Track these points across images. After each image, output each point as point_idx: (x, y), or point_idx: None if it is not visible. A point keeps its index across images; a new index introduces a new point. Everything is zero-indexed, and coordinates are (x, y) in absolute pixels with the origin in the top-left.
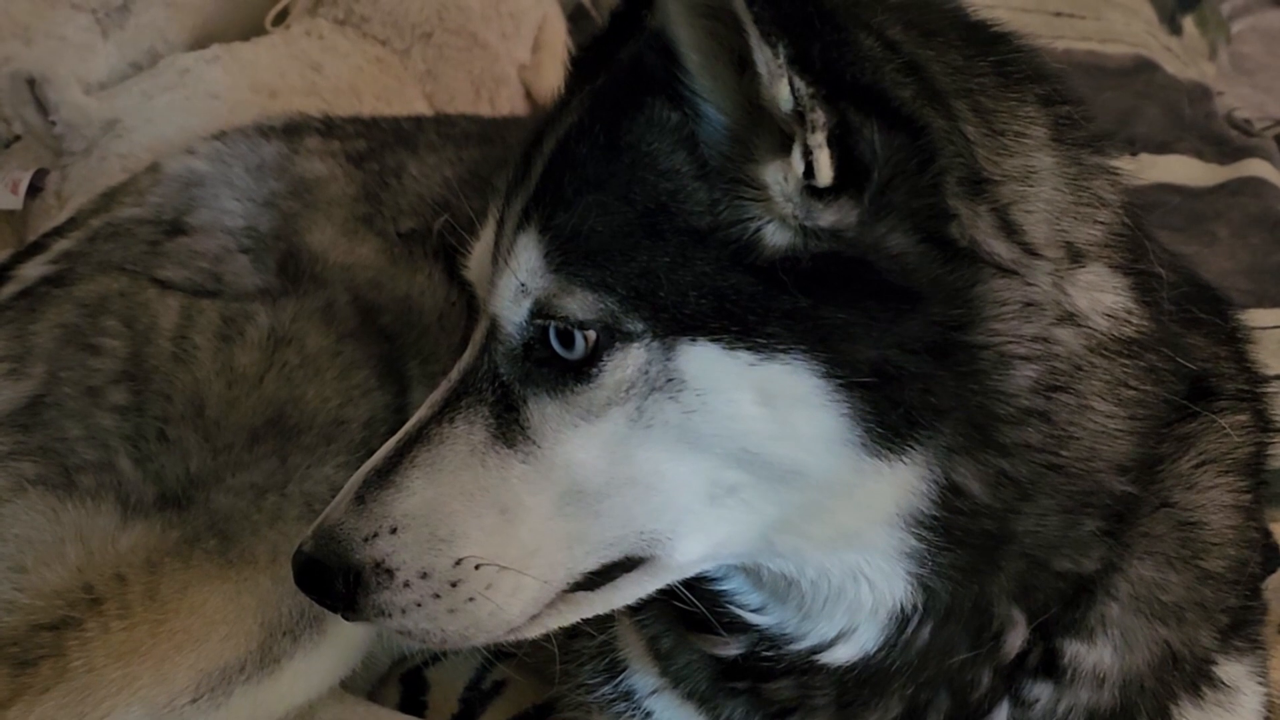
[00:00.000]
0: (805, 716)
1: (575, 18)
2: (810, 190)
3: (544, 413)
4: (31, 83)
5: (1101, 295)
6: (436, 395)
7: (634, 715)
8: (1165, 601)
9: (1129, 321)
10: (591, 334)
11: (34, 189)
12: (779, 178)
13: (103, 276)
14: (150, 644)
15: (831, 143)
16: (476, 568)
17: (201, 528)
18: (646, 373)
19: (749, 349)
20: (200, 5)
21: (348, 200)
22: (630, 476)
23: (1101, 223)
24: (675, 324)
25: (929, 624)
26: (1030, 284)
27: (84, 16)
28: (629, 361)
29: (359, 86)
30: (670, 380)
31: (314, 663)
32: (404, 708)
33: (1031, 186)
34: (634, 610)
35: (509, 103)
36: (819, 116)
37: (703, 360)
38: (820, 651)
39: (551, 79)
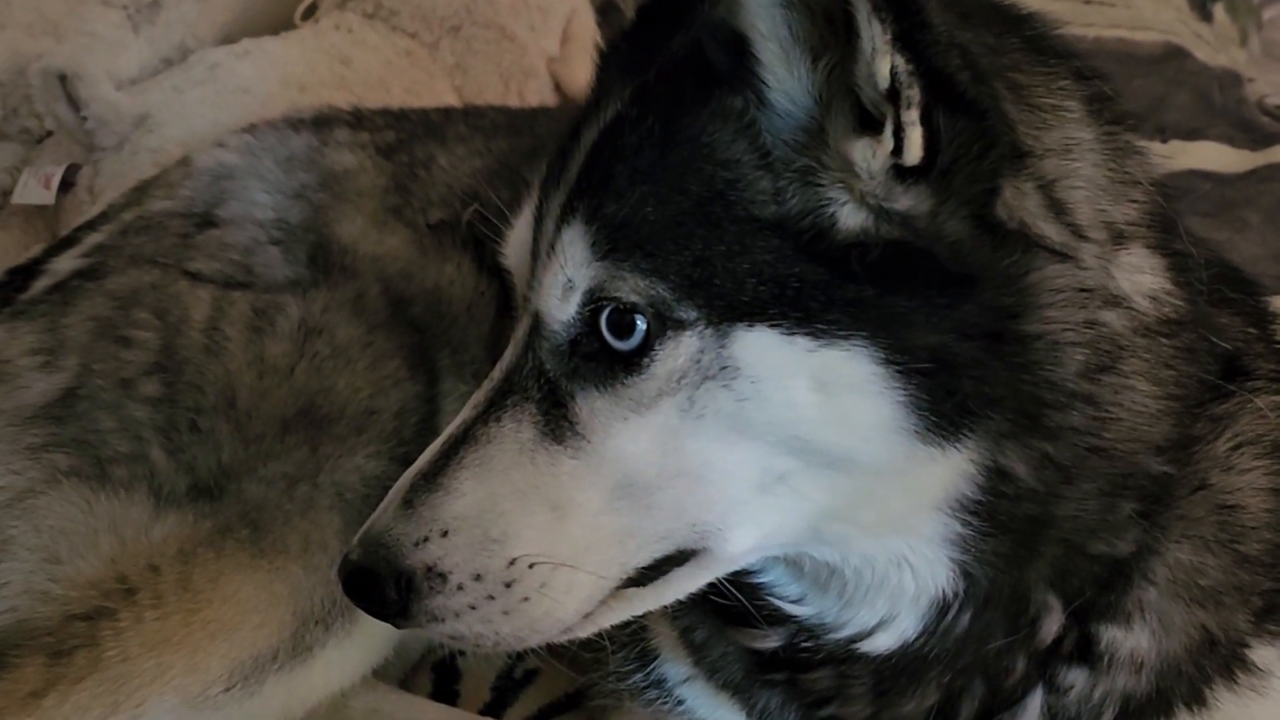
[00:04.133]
0: (842, 705)
1: (604, 10)
2: (895, 170)
3: (592, 407)
4: (63, 79)
5: (1142, 276)
6: (479, 395)
7: (665, 703)
8: (1203, 585)
9: (1167, 302)
10: (644, 320)
11: (66, 184)
12: (867, 154)
13: (134, 269)
14: (183, 633)
15: (923, 120)
16: (531, 566)
17: (234, 518)
18: (699, 361)
19: (808, 335)
20: (230, 1)
21: (377, 192)
22: (681, 468)
23: (1135, 201)
24: (731, 311)
25: (968, 611)
26: (1083, 269)
27: (115, 13)
28: (681, 350)
29: (388, 80)
30: (724, 368)
31: (346, 651)
32: (436, 696)
33: (1073, 161)
34: None
35: (537, 95)
36: (915, 94)
37: (759, 347)
38: (860, 640)
39: (580, 71)
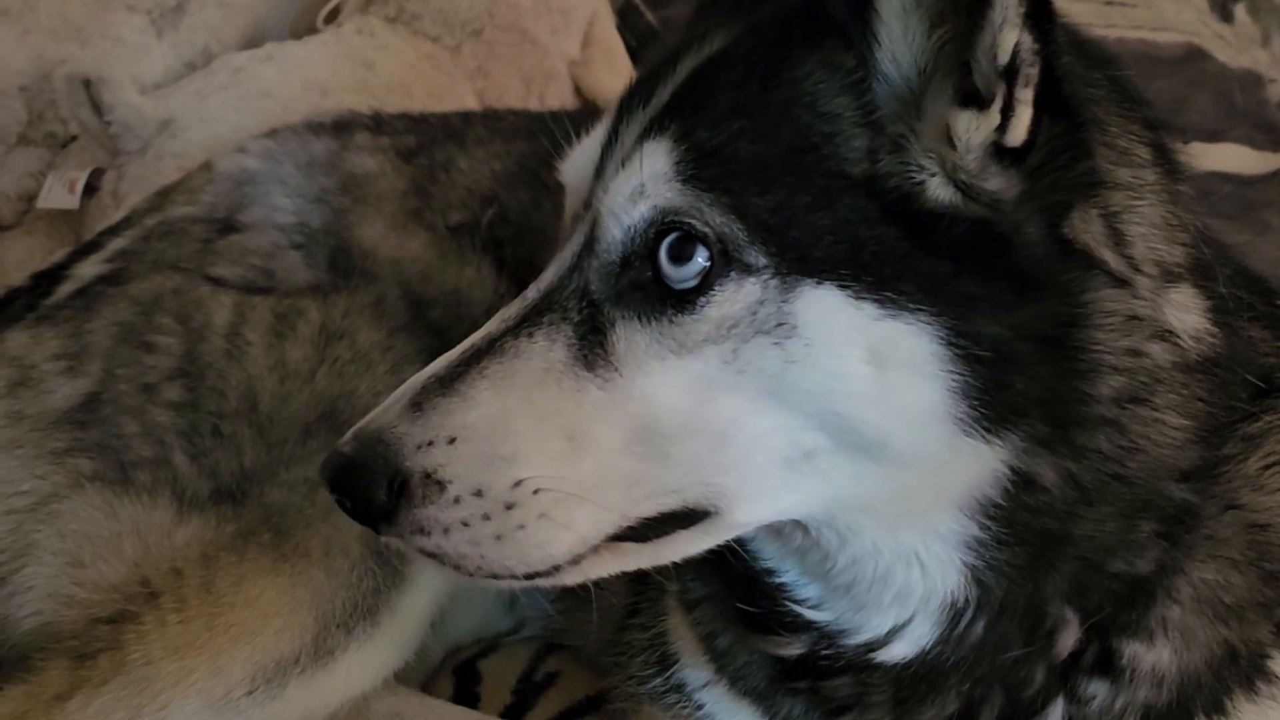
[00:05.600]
0: (862, 713)
1: (624, 13)
2: (994, 149)
3: (632, 340)
4: (87, 84)
5: (1188, 315)
6: (509, 310)
7: (685, 707)
8: (1228, 603)
9: (1208, 342)
10: (707, 255)
11: (90, 188)
12: (970, 127)
13: (157, 275)
14: (206, 637)
15: (1035, 103)
16: (535, 492)
17: (256, 522)
18: (755, 313)
19: (876, 303)
20: (253, 5)
21: (397, 195)
22: (708, 423)
23: (1184, 246)
24: (801, 264)
25: (982, 619)
26: (1138, 298)
27: (139, 17)
28: (740, 296)
29: (410, 84)
30: (780, 325)
31: (367, 655)
32: (457, 699)
33: (1137, 200)
34: (689, 607)
35: (559, 98)
36: (1034, 73)
37: (823, 307)
38: (878, 649)
39: (601, 75)
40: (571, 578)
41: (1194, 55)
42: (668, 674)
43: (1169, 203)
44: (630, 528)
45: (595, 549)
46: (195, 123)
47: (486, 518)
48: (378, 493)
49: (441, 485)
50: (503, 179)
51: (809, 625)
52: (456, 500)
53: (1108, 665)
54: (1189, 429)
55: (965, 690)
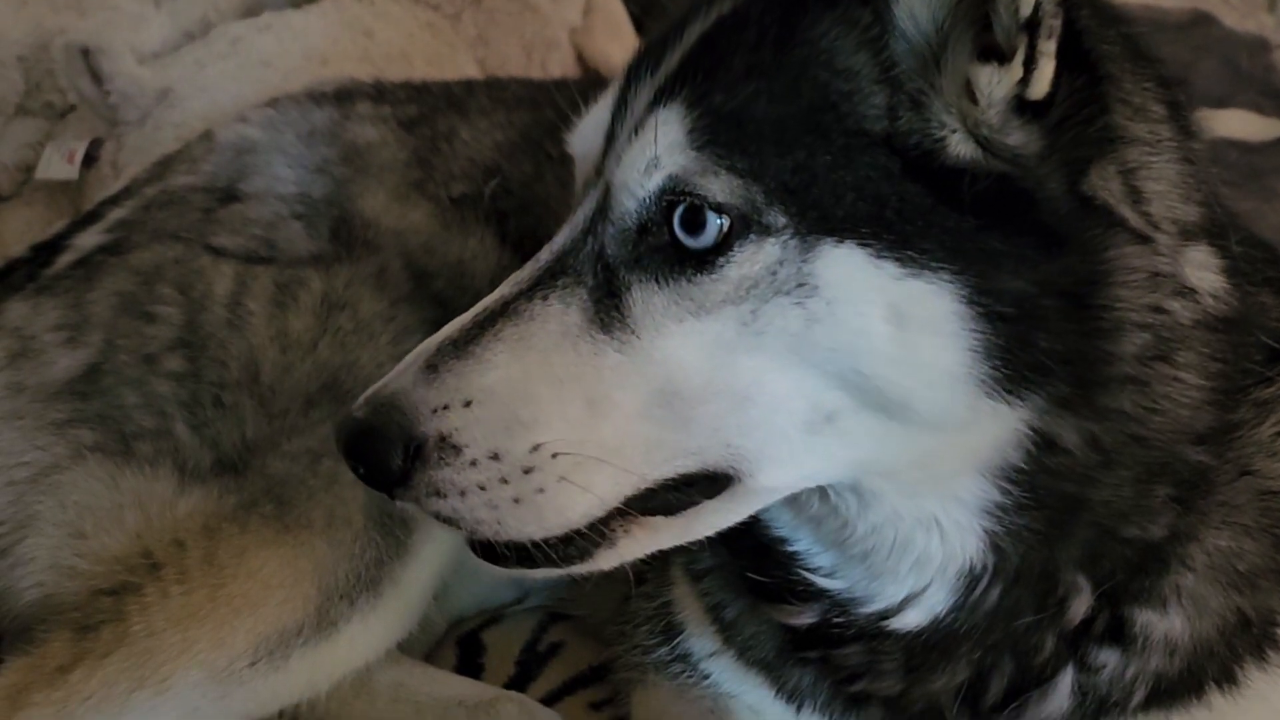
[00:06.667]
0: (873, 681)
1: None
2: (1016, 103)
3: (649, 302)
4: (86, 53)
5: (1206, 274)
6: (522, 274)
7: (691, 677)
8: (1240, 570)
9: (1225, 300)
10: (726, 221)
11: (89, 158)
12: (992, 81)
13: (158, 245)
14: (209, 608)
15: (1057, 56)
16: (554, 456)
17: (258, 493)
18: (775, 273)
19: (897, 261)
20: None
21: (399, 165)
22: (728, 384)
23: (1199, 205)
24: (822, 223)
25: (998, 586)
26: (1159, 255)
27: None
28: (760, 256)
29: (410, 52)
30: (800, 285)
31: (370, 626)
32: (461, 670)
33: (1154, 156)
34: (696, 578)
35: (560, 66)
36: (1056, 25)
37: (844, 265)
38: (889, 617)
39: (603, 42)
40: (608, 561)
41: (1200, 20)
42: (673, 643)
43: (1184, 160)
44: (654, 500)
45: (626, 528)
46: (194, 92)
47: (504, 481)
48: (392, 457)
49: (457, 449)
50: (506, 149)
51: (821, 594)
52: (473, 463)
53: (1119, 634)
54: (1206, 389)
55: (976, 658)
